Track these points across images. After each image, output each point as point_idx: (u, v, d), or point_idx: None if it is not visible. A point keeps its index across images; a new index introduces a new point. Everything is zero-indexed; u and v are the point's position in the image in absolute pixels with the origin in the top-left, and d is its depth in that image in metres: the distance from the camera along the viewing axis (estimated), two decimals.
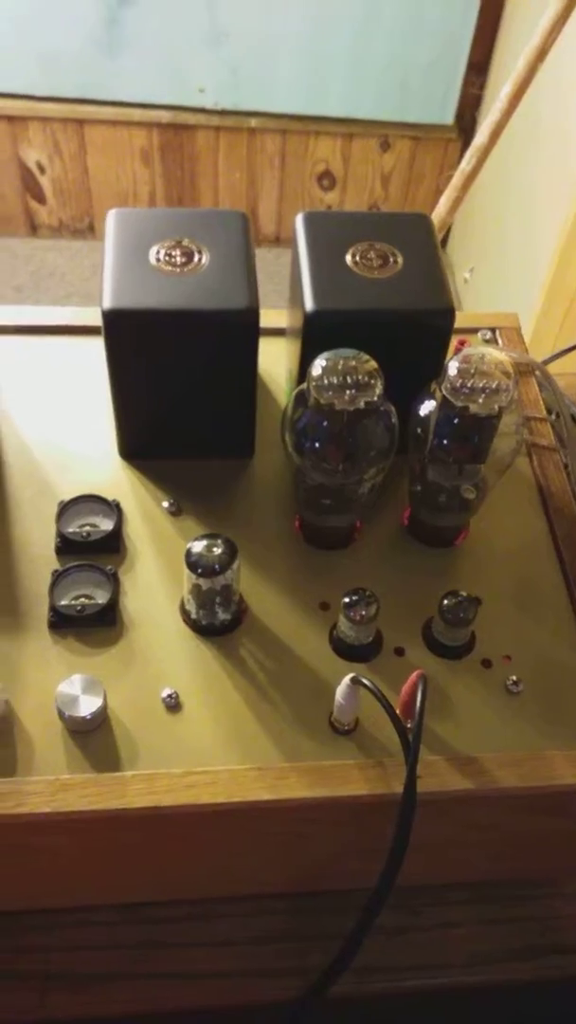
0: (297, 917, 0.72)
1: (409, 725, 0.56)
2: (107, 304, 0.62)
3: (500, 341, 0.82)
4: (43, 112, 2.05)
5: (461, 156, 2.17)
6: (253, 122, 2.10)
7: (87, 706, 0.58)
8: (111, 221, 0.67)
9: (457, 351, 0.69)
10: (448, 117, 2.10)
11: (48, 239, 2.28)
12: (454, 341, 0.75)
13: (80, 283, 2.21)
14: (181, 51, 1.98)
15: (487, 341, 0.82)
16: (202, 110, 2.08)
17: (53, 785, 0.56)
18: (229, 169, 2.18)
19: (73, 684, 0.59)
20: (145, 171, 2.17)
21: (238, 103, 2.07)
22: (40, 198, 2.21)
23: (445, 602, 0.62)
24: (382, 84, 2.05)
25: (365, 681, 0.56)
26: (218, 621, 0.64)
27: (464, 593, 0.62)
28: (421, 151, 2.16)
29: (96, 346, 0.79)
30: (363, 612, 0.61)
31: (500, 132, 1.25)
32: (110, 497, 0.69)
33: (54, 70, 2.00)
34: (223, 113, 2.09)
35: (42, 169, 2.15)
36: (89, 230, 2.28)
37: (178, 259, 0.64)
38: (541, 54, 1.15)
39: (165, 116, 2.07)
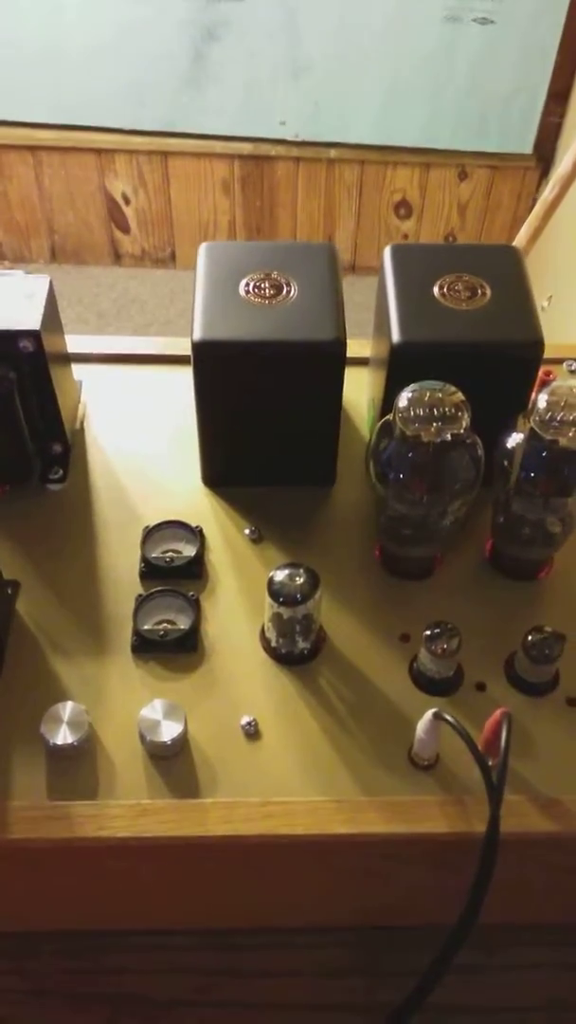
0: (367, 951, 0.71)
1: (492, 763, 0.55)
2: (197, 335, 0.63)
3: None
4: (130, 145, 2.10)
5: (539, 185, 2.16)
6: (332, 153, 2.12)
7: (168, 731, 0.58)
8: (202, 254, 0.69)
9: (543, 382, 0.68)
10: (527, 146, 2.08)
11: (131, 267, 2.34)
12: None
13: (160, 310, 2.25)
14: (264, 85, 2.02)
15: (573, 372, 0.81)
16: (282, 141, 2.11)
17: (134, 810, 0.57)
18: (307, 199, 2.20)
19: (155, 709, 0.59)
20: (225, 201, 2.20)
21: (318, 135, 2.10)
22: (124, 228, 2.26)
23: (529, 638, 0.61)
24: (461, 114, 2.06)
25: (448, 717, 0.55)
26: (297, 650, 0.64)
27: (549, 629, 0.61)
28: (499, 180, 2.15)
29: (181, 375, 0.80)
30: (445, 646, 0.60)
31: None
32: (193, 523, 0.70)
33: (141, 104, 2.06)
34: (303, 144, 2.11)
35: (127, 200, 2.20)
36: (170, 259, 2.33)
37: (267, 291, 0.65)
38: None
39: (246, 148, 2.11)
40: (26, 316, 0.64)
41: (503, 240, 2.25)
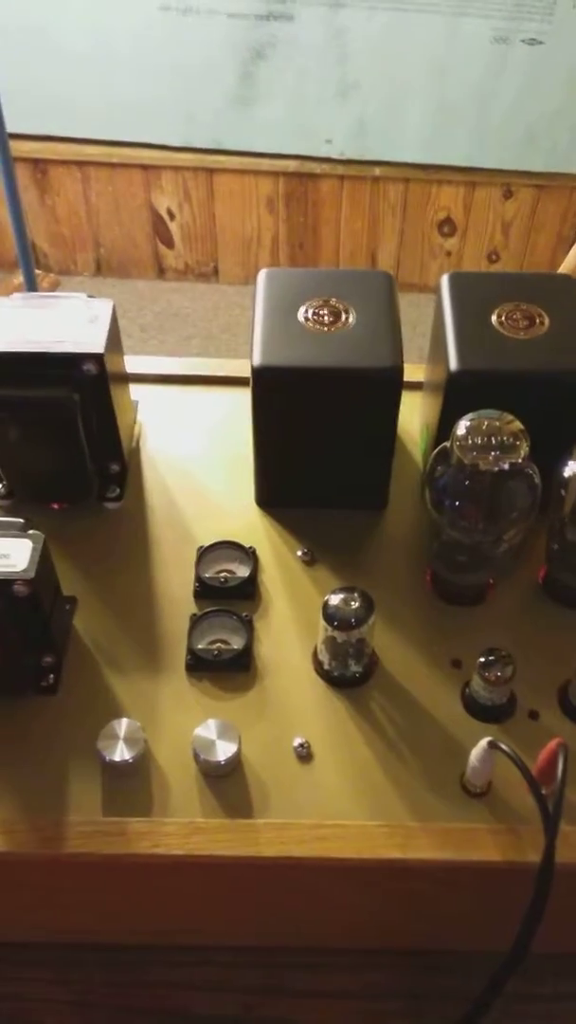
0: (414, 975, 0.71)
1: (546, 792, 0.55)
2: (257, 361, 0.64)
3: None
4: (177, 161, 2.13)
5: None
6: (377, 171, 2.13)
7: (223, 751, 0.59)
8: (262, 280, 0.70)
9: None
10: (573, 165, 2.08)
11: (174, 281, 2.37)
12: None
13: (203, 324, 2.27)
14: (311, 103, 2.04)
15: None
16: (328, 159, 2.13)
17: (187, 828, 0.58)
18: (351, 216, 2.22)
19: (209, 728, 0.60)
20: (269, 218, 2.22)
21: (363, 153, 2.11)
22: (169, 243, 2.29)
23: None
24: (506, 133, 2.06)
25: (504, 747, 0.55)
26: (350, 673, 0.65)
27: None
28: (544, 199, 2.15)
29: (236, 396, 0.82)
30: (499, 673, 0.60)
31: None
32: (247, 544, 0.71)
33: (189, 121, 2.09)
34: (348, 162, 2.13)
35: (172, 215, 2.23)
36: (213, 273, 2.35)
37: (326, 318, 0.66)
38: None
39: (292, 165, 2.13)
40: (90, 339, 0.66)
41: (547, 258, 2.24)
